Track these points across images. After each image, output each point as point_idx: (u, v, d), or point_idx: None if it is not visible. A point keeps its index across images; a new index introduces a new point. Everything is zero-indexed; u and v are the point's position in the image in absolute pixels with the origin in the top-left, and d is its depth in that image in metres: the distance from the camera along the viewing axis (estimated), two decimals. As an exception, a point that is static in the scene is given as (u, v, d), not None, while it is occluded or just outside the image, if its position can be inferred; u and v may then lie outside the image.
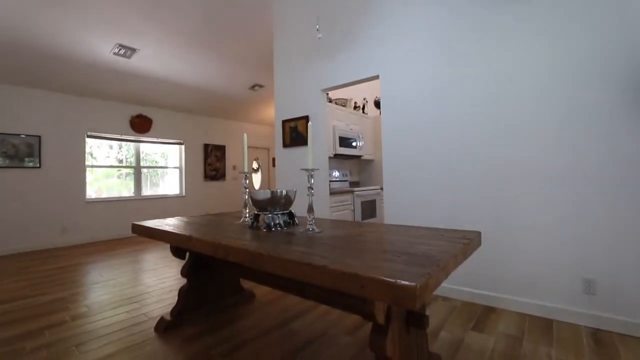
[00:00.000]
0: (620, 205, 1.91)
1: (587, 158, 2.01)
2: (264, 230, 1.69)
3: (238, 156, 7.70)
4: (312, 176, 1.63)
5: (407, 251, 1.17)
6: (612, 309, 1.93)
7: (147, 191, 6.15)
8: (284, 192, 1.78)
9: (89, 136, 5.33)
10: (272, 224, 1.70)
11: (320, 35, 3.36)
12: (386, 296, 0.86)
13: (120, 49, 4.19)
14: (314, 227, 1.62)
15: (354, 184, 5.52)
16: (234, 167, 7.61)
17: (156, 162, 6.36)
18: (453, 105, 2.51)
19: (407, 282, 0.83)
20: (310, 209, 1.64)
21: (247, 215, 2.09)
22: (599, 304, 1.97)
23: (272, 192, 1.76)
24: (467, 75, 2.45)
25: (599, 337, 1.86)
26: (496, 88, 2.33)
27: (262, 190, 1.77)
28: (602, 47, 1.96)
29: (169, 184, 6.53)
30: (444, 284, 2.56)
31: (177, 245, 1.71)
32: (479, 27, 2.40)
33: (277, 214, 1.74)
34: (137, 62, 4.60)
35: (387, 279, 0.86)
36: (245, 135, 2.17)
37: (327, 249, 1.23)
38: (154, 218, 6.02)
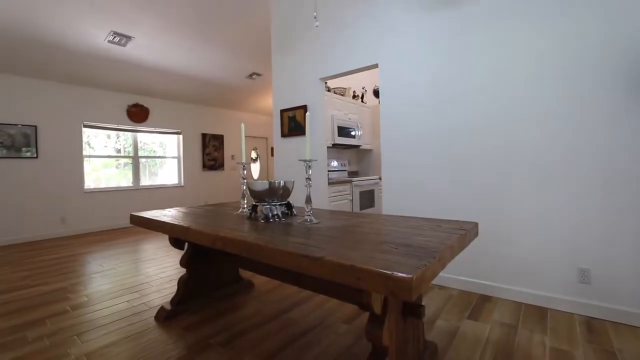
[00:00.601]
0: (615, 196, 1.92)
1: (582, 149, 2.00)
2: (262, 221, 1.69)
3: (236, 145, 7.66)
4: (310, 167, 1.62)
5: (404, 242, 1.17)
6: (606, 298, 1.96)
7: (145, 181, 6.14)
8: (282, 183, 1.77)
9: (85, 126, 5.28)
10: (270, 214, 1.71)
11: (317, 23, 3.30)
12: (382, 288, 0.87)
13: (115, 37, 4.12)
14: (312, 218, 1.62)
15: (353, 173, 5.52)
16: (233, 157, 7.57)
17: (154, 151, 6.32)
18: (452, 96, 2.49)
19: (403, 274, 0.84)
20: (308, 200, 1.63)
21: (246, 205, 2.09)
22: (593, 293, 2.00)
23: (270, 183, 1.75)
24: (466, 65, 2.42)
25: (592, 325, 1.89)
26: (495, 78, 2.30)
27: (260, 181, 1.76)
28: (601, 35, 1.93)
29: (168, 173, 6.51)
30: (440, 273, 2.58)
31: (176, 236, 1.72)
32: (479, 16, 2.35)
33: (275, 205, 1.74)
34: (133, 51, 4.52)
35: (384, 271, 0.87)
36: (242, 125, 2.15)
37: (325, 240, 1.23)
38: (153, 208, 6.03)
